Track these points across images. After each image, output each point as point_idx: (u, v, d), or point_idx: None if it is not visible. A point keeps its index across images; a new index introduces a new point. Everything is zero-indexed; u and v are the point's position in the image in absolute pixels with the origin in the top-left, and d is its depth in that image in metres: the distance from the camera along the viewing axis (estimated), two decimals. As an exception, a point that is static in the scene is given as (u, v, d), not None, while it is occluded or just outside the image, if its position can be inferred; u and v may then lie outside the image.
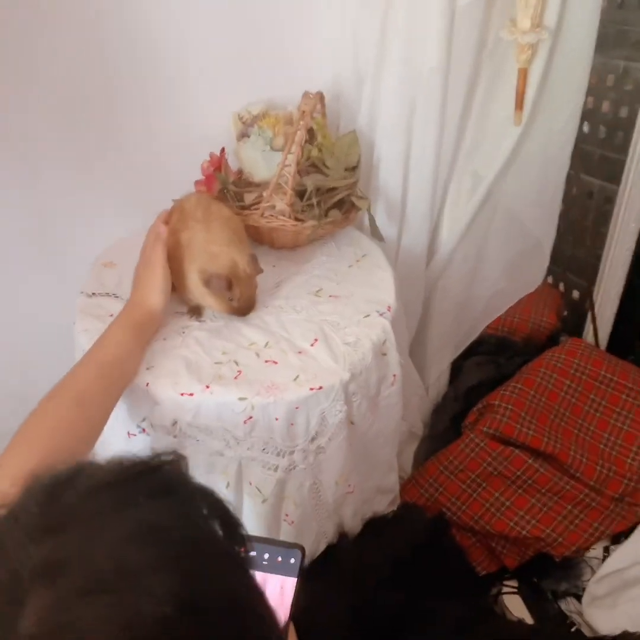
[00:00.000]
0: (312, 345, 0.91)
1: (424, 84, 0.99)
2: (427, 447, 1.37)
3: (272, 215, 1.00)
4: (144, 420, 0.87)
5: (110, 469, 0.33)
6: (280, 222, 0.99)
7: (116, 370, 0.81)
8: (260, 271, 0.91)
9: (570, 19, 0.98)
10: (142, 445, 0.88)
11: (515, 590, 1.24)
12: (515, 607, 1.23)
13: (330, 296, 1.00)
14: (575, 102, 1.06)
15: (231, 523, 0.36)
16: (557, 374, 1.32)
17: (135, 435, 0.89)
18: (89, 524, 0.29)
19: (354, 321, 0.95)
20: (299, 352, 0.90)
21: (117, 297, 0.98)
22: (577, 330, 1.55)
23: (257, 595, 0.35)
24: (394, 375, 0.97)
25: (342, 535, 1.09)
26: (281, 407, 0.84)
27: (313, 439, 0.90)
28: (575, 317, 1.57)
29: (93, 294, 0.98)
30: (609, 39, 1.25)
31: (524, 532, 1.20)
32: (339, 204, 1.03)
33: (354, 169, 1.06)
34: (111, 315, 0.91)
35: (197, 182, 1.06)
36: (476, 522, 1.23)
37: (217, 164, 1.05)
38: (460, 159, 1.11)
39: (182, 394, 0.83)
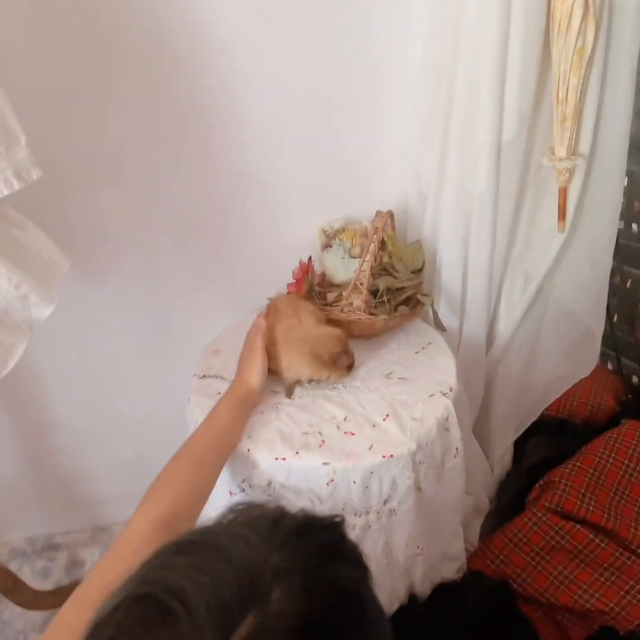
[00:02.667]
0: (384, 419, 1.07)
1: (476, 203, 1.18)
2: (492, 521, 1.47)
3: (350, 310, 1.20)
4: (244, 481, 1.05)
5: (301, 517, 0.49)
6: (357, 315, 1.19)
7: (224, 438, 1.00)
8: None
9: (602, 146, 1.16)
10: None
11: (582, 664, 1.29)
12: (582, 681, 1.27)
13: (399, 378, 1.16)
14: (613, 210, 1.22)
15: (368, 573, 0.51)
16: (615, 453, 1.41)
17: (236, 494, 1.06)
18: (294, 553, 0.44)
19: (420, 400, 1.11)
20: (373, 426, 1.06)
21: (223, 378, 1.18)
22: (638, 414, 1.63)
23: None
24: (457, 449, 1.11)
25: (413, 598, 1.19)
26: (358, 471, 0.99)
27: (385, 502, 1.04)
28: (635, 401, 1.65)
29: (203, 376, 1.19)
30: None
31: (588, 606, 1.26)
32: (407, 301, 1.22)
33: (419, 271, 1.25)
34: (218, 393, 1.12)
35: (289, 285, 1.28)
36: (541, 594, 1.30)
37: (306, 269, 1.27)
38: (511, 261, 1.29)
39: (276, 458, 1.00)
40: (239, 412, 1.04)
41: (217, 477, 0.97)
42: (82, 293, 1.32)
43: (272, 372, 1.13)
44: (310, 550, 0.45)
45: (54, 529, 1.61)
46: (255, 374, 1.08)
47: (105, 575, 0.71)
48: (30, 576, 1.51)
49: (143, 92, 1.15)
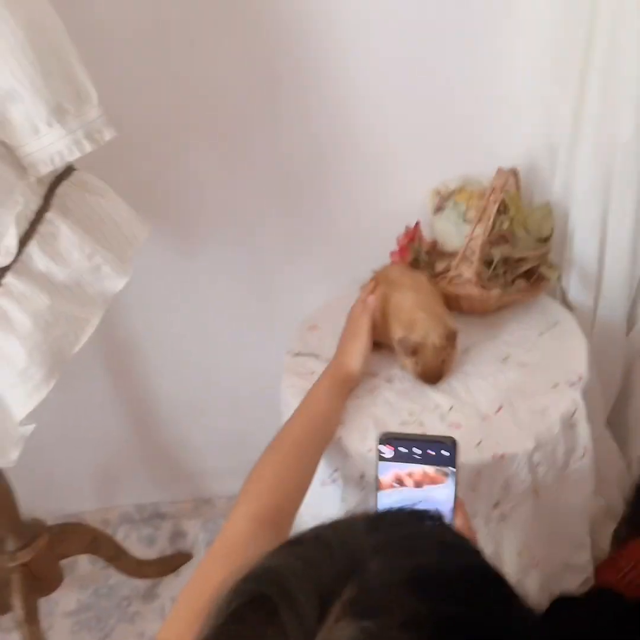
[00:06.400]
0: (496, 412, 0.93)
1: (619, 155, 0.98)
2: (627, 527, 1.28)
3: (459, 283, 1.05)
4: (336, 471, 0.95)
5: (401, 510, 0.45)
6: (467, 289, 1.04)
7: (324, 425, 0.91)
8: (453, 348, 0.96)
9: None
10: (334, 494, 0.96)
11: None
12: None
13: (518, 363, 1.01)
14: None
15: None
16: None
17: (328, 485, 0.97)
18: (392, 531, 0.42)
19: (541, 390, 0.95)
20: (483, 418, 0.92)
21: (318, 356, 1.08)
22: None
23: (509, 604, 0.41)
24: (585, 448, 0.95)
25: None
26: (462, 472, 0.86)
27: (495, 506, 0.91)
28: None
29: (298, 353, 1.11)
30: None
31: None
32: (528, 274, 1.05)
33: (546, 240, 1.07)
34: (312, 373, 1.03)
35: (392, 253, 1.15)
36: (686, 619, 1.12)
37: (411, 236, 1.14)
38: (663, 226, 1.07)
39: (370, 450, 0.90)
40: (338, 397, 0.95)
41: (316, 467, 0.88)
42: (179, 262, 1.28)
43: (382, 346, 1.03)
44: (409, 531, 0.42)
45: (161, 498, 1.62)
46: (358, 356, 0.97)
47: (210, 575, 0.68)
48: (136, 543, 1.53)
49: (232, 41, 1.05)
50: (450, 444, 0.67)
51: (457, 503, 0.71)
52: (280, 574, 0.37)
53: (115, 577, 1.44)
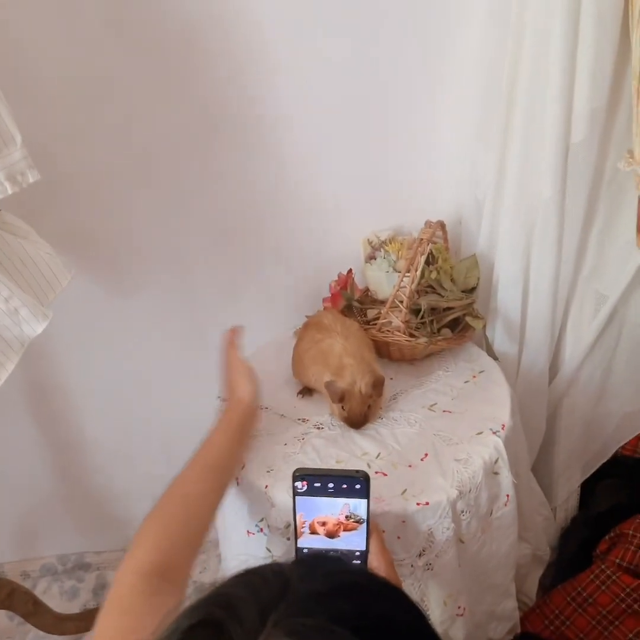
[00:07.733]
0: (422, 459, 0.94)
1: (540, 211, 1.03)
2: (553, 573, 1.30)
3: (388, 330, 1.07)
4: (262, 520, 0.94)
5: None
6: (395, 337, 1.06)
7: (218, 473, 0.88)
8: (379, 395, 0.98)
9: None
10: (259, 544, 0.95)
11: None
12: None
13: (444, 411, 1.03)
14: None
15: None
16: (702, 505, 1.21)
17: (253, 534, 0.95)
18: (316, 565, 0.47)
19: (466, 438, 0.97)
20: (409, 466, 0.93)
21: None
22: None
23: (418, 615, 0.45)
24: (508, 496, 0.96)
25: (454, 660, 1.05)
26: (388, 520, 0.87)
27: (420, 554, 0.91)
28: None
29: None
30: None
31: (664, 683, 1.08)
32: (454, 323, 1.08)
33: (472, 290, 1.11)
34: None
35: (324, 299, 1.17)
36: (608, 665, 1.13)
37: (344, 283, 1.16)
38: (581, 280, 1.13)
39: (295, 499, 0.89)
40: (235, 438, 0.91)
41: (212, 515, 0.85)
42: (112, 306, 1.26)
43: (314, 392, 1.06)
44: (331, 567, 0.48)
45: (86, 548, 1.55)
46: (241, 387, 0.93)
47: (107, 632, 0.65)
48: (58, 596, 1.46)
49: (172, 91, 1.07)
50: (362, 477, 0.70)
51: (378, 547, 0.74)
52: (226, 596, 0.42)
53: (34, 633, 1.36)
